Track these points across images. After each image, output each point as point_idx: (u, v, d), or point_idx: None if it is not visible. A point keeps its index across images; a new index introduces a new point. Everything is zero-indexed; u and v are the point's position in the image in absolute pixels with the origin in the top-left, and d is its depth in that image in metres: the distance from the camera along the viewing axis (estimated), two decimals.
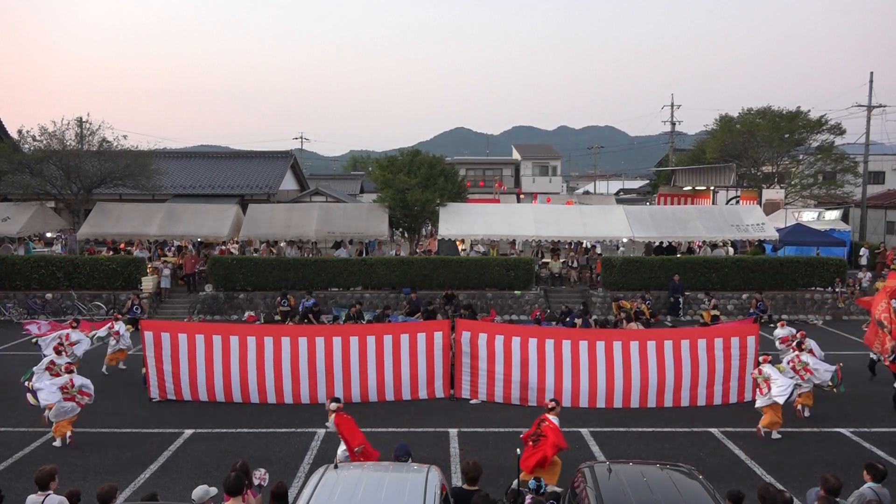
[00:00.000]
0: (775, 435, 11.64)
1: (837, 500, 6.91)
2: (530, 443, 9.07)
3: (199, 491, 6.80)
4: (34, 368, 11.75)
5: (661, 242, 26.11)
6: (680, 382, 13.39)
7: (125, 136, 28.62)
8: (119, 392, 14.26)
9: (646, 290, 22.15)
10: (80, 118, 27.63)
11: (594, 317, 19.53)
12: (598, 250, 27.95)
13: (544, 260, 26.71)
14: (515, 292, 23.23)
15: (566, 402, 13.30)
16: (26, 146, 26.69)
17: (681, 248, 28.50)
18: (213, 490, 6.93)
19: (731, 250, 27.18)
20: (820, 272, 23.53)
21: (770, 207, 32.84)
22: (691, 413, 13.00)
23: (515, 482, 7.24)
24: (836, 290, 23.26)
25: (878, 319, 14.33)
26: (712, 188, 38.05)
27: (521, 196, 48.86)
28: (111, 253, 25.59)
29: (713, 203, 36.68)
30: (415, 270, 23.03)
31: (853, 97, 59.56)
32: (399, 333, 13.82)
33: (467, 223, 25.20)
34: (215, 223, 25.61)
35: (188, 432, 11.81)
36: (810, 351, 13.12)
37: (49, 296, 22.44)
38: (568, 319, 18.60)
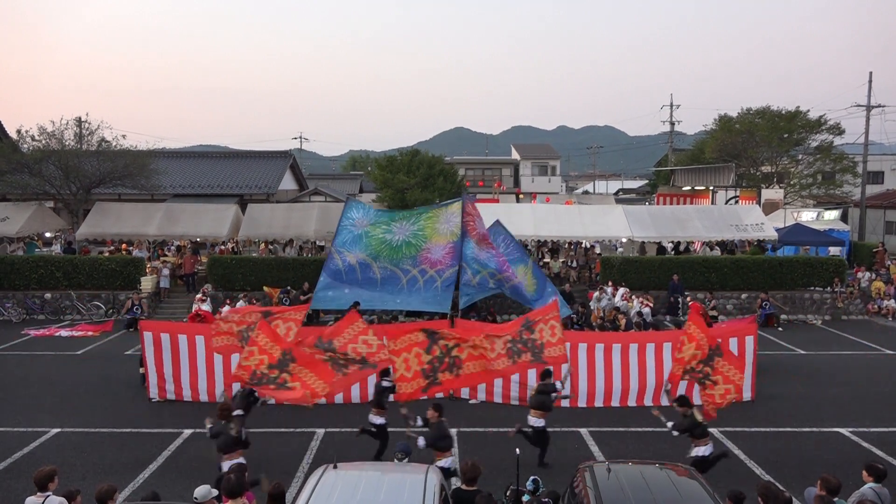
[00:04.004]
0: None
1: (837, 500, 6.91)
2: None
3: (201, 490, 6.80)
4: None
5: (659, 243, 25.99)
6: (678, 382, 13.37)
7: (124, 136, 28.67)
8: (118, 392, 14.24)
9: (645, 290, 22.12)
10: (79, 118, 27.71)
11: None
12: (598, 250, 27.94)
13: (544, 260, 26.67)
14: None
15: (564, 402, 13.28)
16: (25, 146, 26.69)
17: (692, 248, 28.39)
18: (215, 490, 6.92)
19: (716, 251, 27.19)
20: (819, 272, 23.53)
21: (769, 207, 32.86)
22: None
23: (532, 480, 7.30)
24: (836, 290, 23.26)
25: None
26: (711, 188, 38.09)
27: (521, 196, 48.85)
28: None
29: (712, 203, 36.73)
30: None
31: (852, 97, 59.73)
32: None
33: None
34: (214, 223, 25.61)
35: (187, 432, 11.80)
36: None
37: (48, 296, 22.42)
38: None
